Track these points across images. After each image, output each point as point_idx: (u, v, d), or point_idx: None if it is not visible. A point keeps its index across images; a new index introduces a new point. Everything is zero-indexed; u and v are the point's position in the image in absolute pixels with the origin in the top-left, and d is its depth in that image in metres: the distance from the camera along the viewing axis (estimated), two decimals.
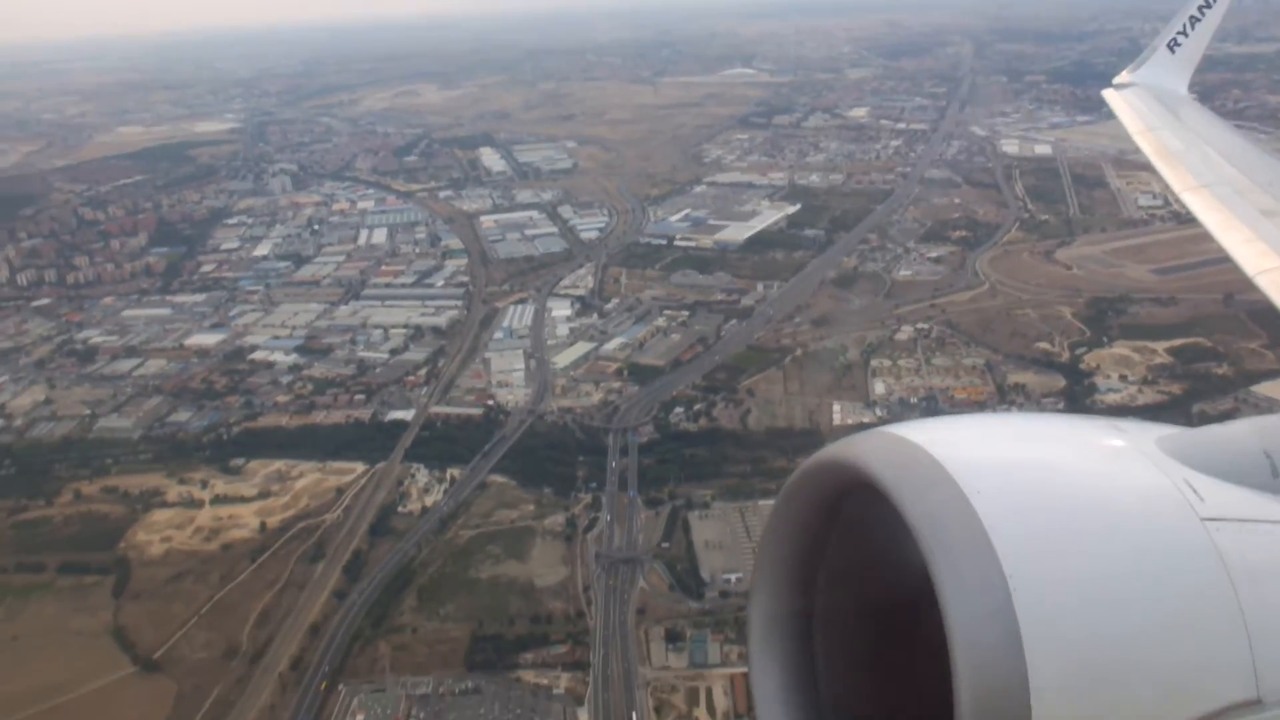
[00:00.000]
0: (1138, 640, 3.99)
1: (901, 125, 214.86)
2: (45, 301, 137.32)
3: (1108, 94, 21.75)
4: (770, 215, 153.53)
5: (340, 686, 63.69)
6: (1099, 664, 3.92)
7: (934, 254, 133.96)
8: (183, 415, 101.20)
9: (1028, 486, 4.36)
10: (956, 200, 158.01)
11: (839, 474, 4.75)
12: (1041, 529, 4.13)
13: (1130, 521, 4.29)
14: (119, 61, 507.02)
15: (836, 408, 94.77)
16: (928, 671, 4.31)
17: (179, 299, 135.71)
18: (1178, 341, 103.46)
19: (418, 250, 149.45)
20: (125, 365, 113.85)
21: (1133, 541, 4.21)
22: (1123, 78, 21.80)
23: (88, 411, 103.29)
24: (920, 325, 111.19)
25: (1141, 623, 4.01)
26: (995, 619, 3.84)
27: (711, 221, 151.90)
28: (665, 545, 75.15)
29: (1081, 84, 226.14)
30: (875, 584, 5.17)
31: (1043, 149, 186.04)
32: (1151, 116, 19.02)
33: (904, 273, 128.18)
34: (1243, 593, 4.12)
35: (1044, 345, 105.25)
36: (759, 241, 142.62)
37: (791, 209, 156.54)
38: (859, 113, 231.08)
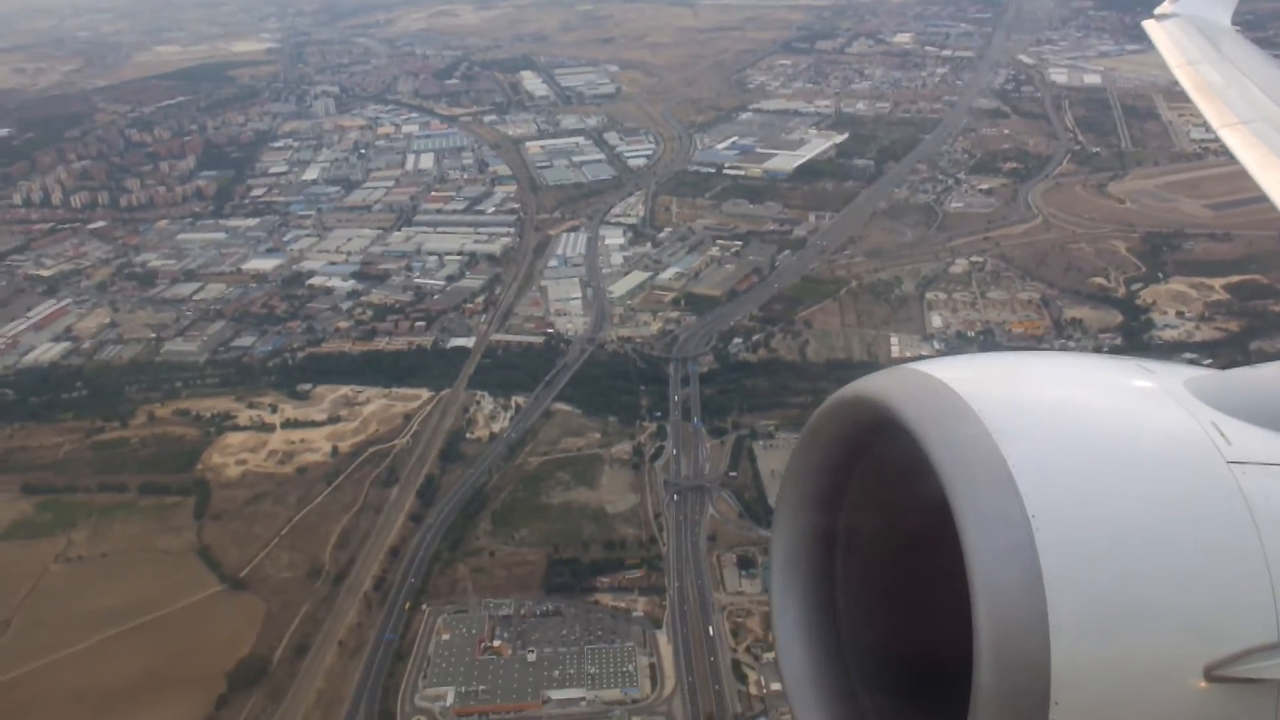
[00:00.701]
0: (1159, 581, 4.01)
1: (947, 52, 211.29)
2: (100, 224, 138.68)
3: (1148, 25, 20.83)
4: (818, 144, 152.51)
5: (424, 606, 65.98)
6: (1120, 604, 3.96)
7: (985, 186, 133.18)
8: (246, 340, 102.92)
9: (1053, 426, 4.39)
10: (1006, 131, 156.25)
11: (864, 410, 4.77)
12: (1066, 469, 4.16)
13: (1155, 463, 4.31)
14: None
15: (894, 340, 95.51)
16: (948, 609, 4.34)
17: (232, 223, 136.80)
18: (1234, 278, 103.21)
19: (466, 176, 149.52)
20: (185, 289, 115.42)
21: (1157, 483, 4.22)
22: (1165, 8, 20.86)
23: (153, 335, 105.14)
24: (974, 258, 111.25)
25: (1164, 564, 4.04)
26: (1016, 557, 3.88)
27: (759, 150, 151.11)
28: (733, 474, 76.69)
29: (1130, 10, 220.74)
30: (897, 521, 5.23)
31: (1092, 79, 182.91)
32: (1192, 49, 18.22)
33: (956, 205, 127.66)
34: (1266, 536, 4.13)
35: (1099, 280, 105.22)
36: (808, 170, 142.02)
37: (839, 138, 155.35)
38: (903, 39, 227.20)
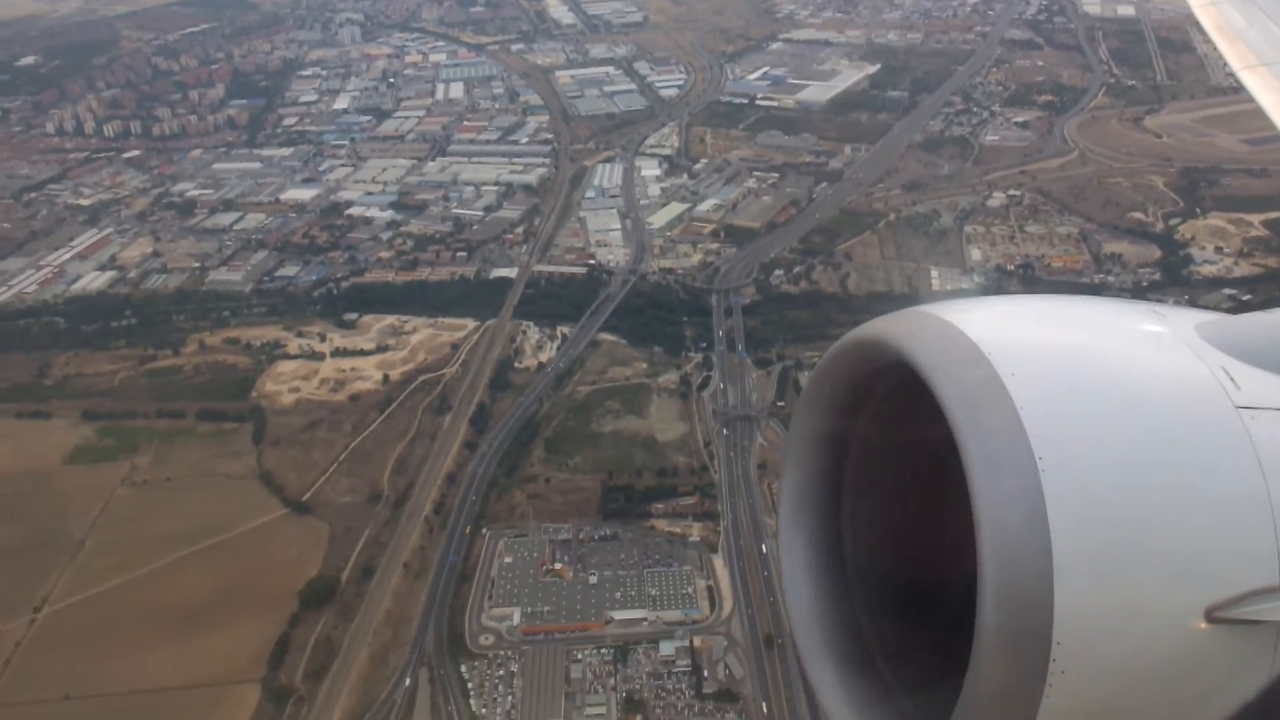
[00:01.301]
0: (1164, 523, 4.06)
1: None
2: (135, 153, 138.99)
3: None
4: (851, 75, 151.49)
5: (484, 531, 67.89)
6: (1124, 545, 4.01)
7: (1020, 119, 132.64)
8: (290, 270, 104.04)
9: (1062, 369, 4.42)
10: (1039, 63, 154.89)
11: (874, 352, 4.81)
12: (1073, 412, 4.20)
13: (1163, 407, 4.34)
14: None
15: (934, 273, 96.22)
16: (954, 549, 4.44)
17: (266, 153, 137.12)
18: (1273, 214, 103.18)
19: (497, 106, 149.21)
20: (225, 219, 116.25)
21: (1165, 427, 4.26)
22: None
23: (196, 265, 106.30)
24: (1011, 192, 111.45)
25: (1169, 506, 4.09)
26: (1022, 498, 3.93)
27: (791, 80, 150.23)
28: (780, 404, 78.02)
29: None
30: (905, 463, 5.31)
31: (1125, 10, 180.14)
32: None
33: (991, 138, 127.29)
34: (1273, 481, 4.16)
35: (1137, 215, 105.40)
36: (842, 102, 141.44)
37: (871, 69, 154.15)
38: None
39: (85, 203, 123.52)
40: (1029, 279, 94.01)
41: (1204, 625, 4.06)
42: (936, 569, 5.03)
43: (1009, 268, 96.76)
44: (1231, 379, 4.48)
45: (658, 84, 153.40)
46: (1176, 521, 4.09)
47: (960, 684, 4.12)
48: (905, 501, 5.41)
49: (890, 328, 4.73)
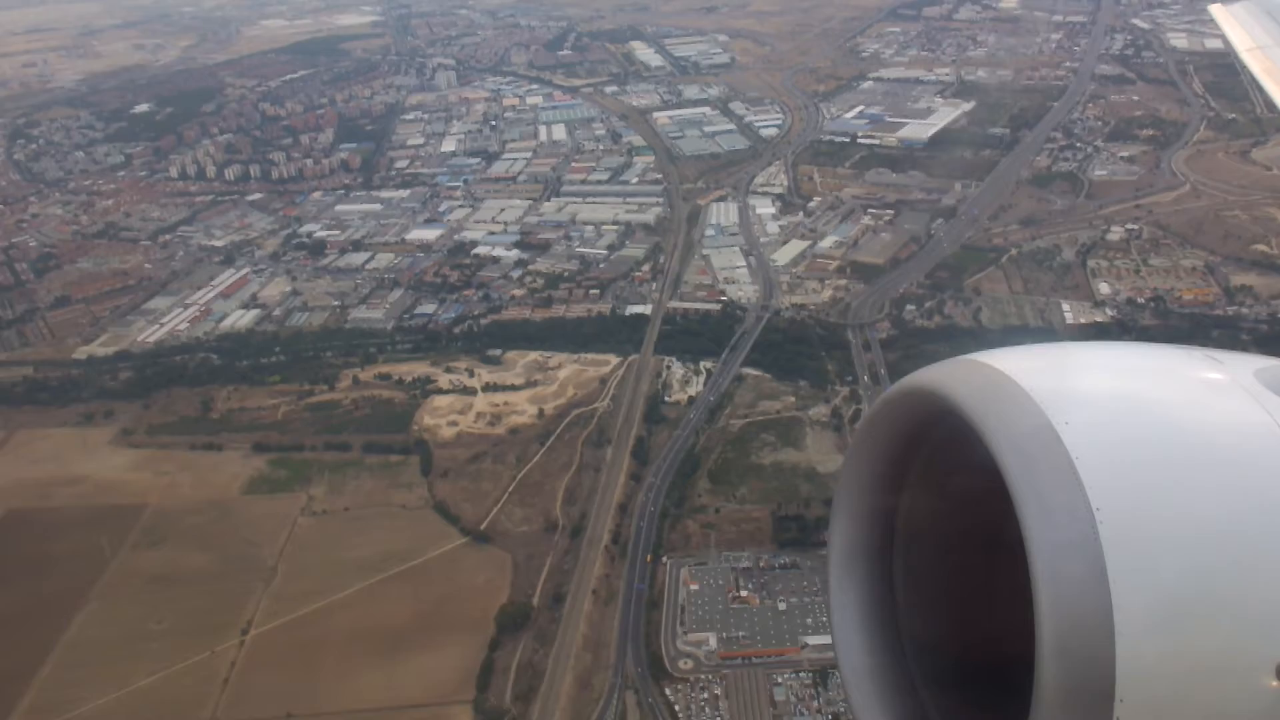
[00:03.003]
0: (1228, 577, 3.90)
1: (1057, 17, 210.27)
2: (257, 196, 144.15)
3: (1215, 9, 20.25)
4: (947, 113, 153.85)
5: (664, 559, 70.05)
6: (1187, 600, 3.85)
7: (1125, 153, 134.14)
8: (428, 307, 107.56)
9: (1118, 418, 4.30)
10: (1134, 97, 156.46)
11: (923, 401, 4.75)
12: (1131, 461, 4.08)
13: (1223, 455, 4.19)
14: None
15: (1066, 307, 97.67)
16: (1009, 603, 4.26)
17: (384, 194, 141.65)
18: None
19: (602, 147, 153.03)
20: (357, 259, 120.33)
21: (1225, 477, 4.11)
22: None
23: (336, 303, 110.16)
24: (1129, 226, 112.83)
25: (1232, 559, 3.93)
26: (1080, 551, 3.81)
27: (889, 119, 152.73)
28: None
29: None
30: (957, 514, 5.19)
31: (1214, 43, 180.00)
32: (1261, 33, 17.63)
33: (1099, 172, 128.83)
34: None
35: (1261, 247, 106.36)
36: (943, 139, 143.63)
37: (967, 106, 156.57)
38: (1009, 4, 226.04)
39: (218, 244, 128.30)
40: (1161, 312, 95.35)
41: (1275, 683, 3.90)
42: (992, 623, 4.92)
43: (1139, 301, 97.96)
44: None
45: (756, 124, 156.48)
46: (1241, 574, 3.97)
47: None
48: (959, 553, 5.36)
49: (940, 376, 4.72)
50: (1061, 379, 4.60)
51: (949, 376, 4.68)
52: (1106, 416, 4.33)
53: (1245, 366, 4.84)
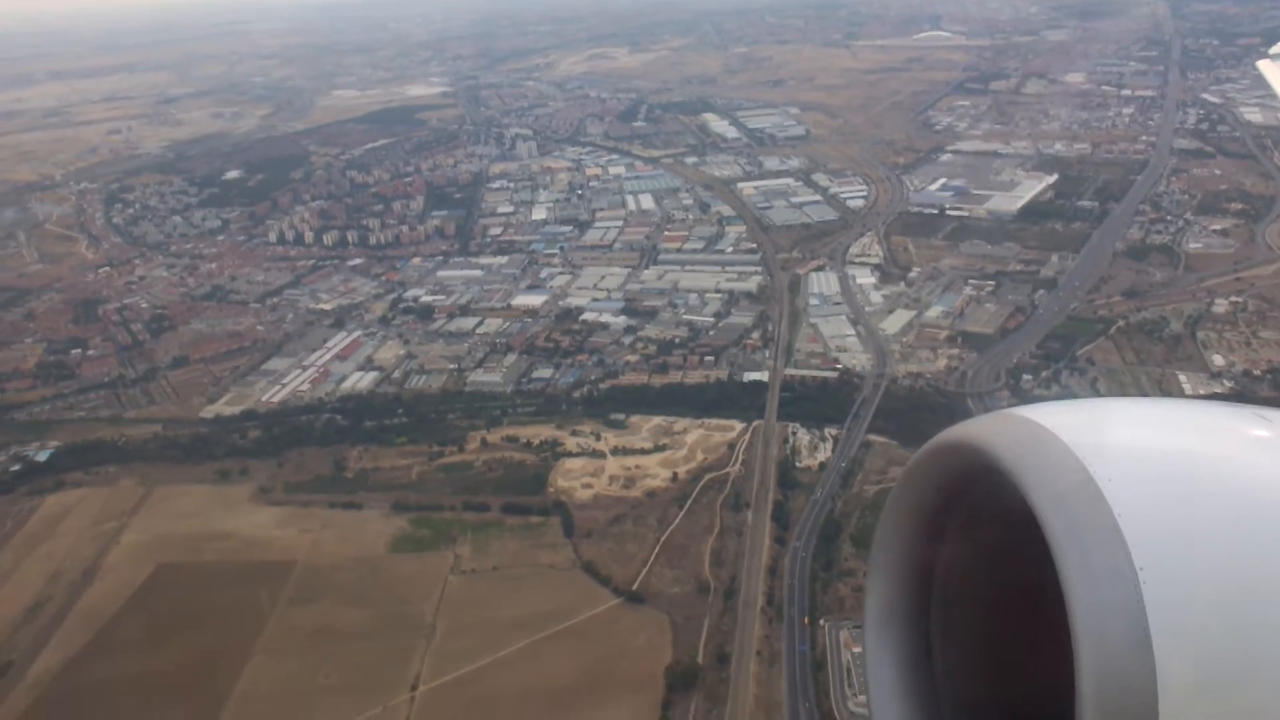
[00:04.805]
0: (1273, 640, 3.84)
1: (1126, 92, 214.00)
2: (358, 261, 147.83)
3: (1263, 65, 20.18)
4: (1031, 185, 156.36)
5: (821, 622, 70.90)
6: (1233, 663, 3.80)
7: (1217, 226, 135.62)
8: (544, 371, 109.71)
9: (1162, 475, 4.25)
10: (1217, 171, 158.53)
11: (962, 457, 4.73)
12: (1175, 520, 4.02)
13: (1270, 515, 4.11)
14: (289, 23, 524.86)
15: (1183, 378, 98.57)
16: (1050, 664, 4.24)
17: (483, 260, 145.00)
18: None
19: (691, 217, 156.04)
20: (466, 323, 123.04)
21: (1273, 537, 4.03)
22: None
23: (452, 366, 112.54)
24: (1234, 298, 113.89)
25: (1278, 622, 3.86)
26: (1123, 611, 3.76)
27: (974, 191, 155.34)
28: None
29: None
30: (996, 571, 5.12)
31: None
32: None
33: (1193, 245, 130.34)
34: None
35: None
36: (1031, 211, 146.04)
37: (1050, 179, 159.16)
38: (1076, 78, 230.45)
39: (326, 307, 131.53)
40: (1278, 383, 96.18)
41: None
42: (1033, 685, 4.87)
43: (1255, 372, 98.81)
44: None
45: (841, 195, 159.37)
46: None
47: None
48: (998, 612, 5.28)
49: (980, 431, 4.72)
50: (1105, 434, 4.54)
51: (990, 431, 4.67)
52: (1151, 473, 4.29)
53: None
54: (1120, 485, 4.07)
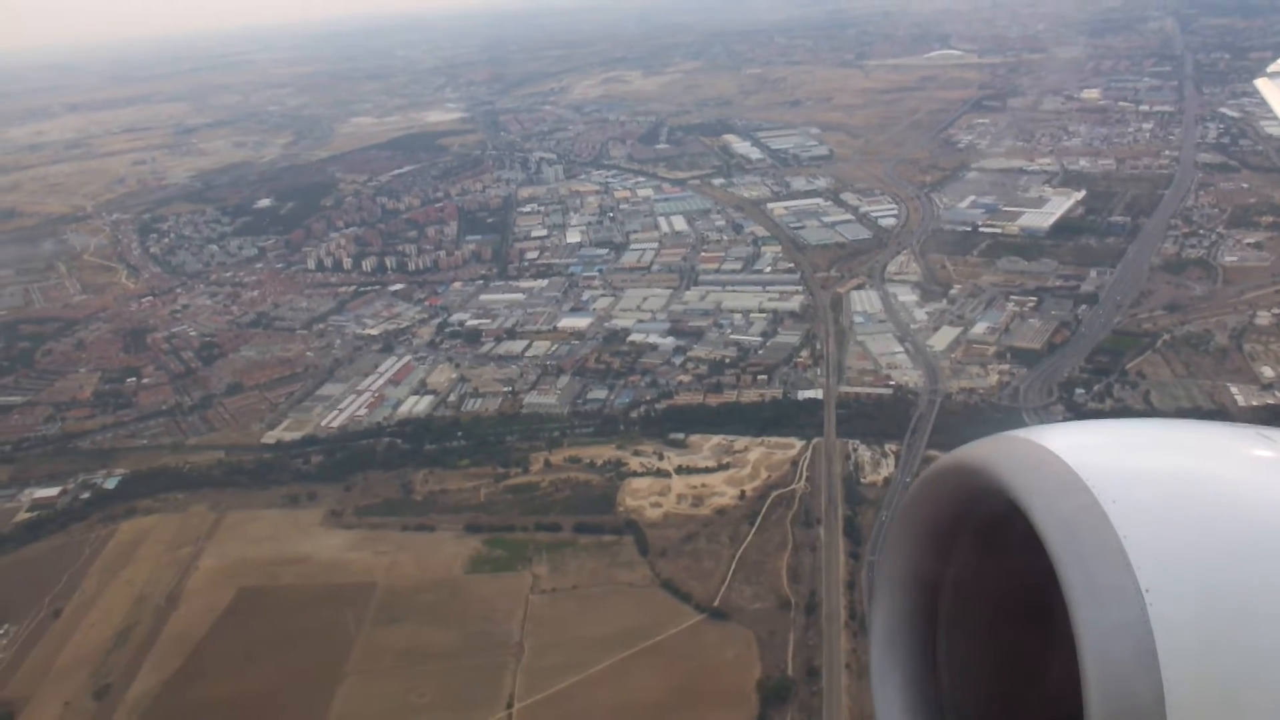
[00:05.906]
0: None
1: (1144, 108, 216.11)
2: (399, 287, 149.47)
3: (1261, 83, 19.83)
4: (1060, 201, 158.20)
5: None
6: (1240, 684, 3.82)
7: (1251, 239, 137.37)
8: (599, 393, 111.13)
9: (1166, 496, 4.24)
10: (1243, 185, 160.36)
11: (968, 479, 4.74)
12: (1181, 541, 4.02)
13: (1275, 535, 4.12)
14: (295, 52, 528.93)
15: (1234, 389, 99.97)
16: (1056, 685, 4.29)
17: (524, 284, 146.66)
18: None
19: (725, 238, 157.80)
20: (515, 346, 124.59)
21: (1278, 557, 4.05)
22: (1277, 66, 19.25)
23: (506, 389, 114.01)
24: (1276, 310, 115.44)
25: None
26: (1129, 632, 3.78)
27: (1005, 208, 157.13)
28: None
29: None
30: (1002, 594, 5.15)
31: None
32: None
33: (1229, 258, 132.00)
34: None
35: None
36: (1063, 227, 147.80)
37: (1078, 195, 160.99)
38: (1092, 94, 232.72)
39: (373, 332, 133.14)
40: None
41: None
42: (1038, 705, 4.94)
43: None
44: None
45: (872, 214, 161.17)
46: None
47: None
48: (1004, 632, 5.31)
49: (984, 453, 4.76)
50: (1109, 457, 4.56)
51: (995, 453, 4.72)
52: (1155, 494, 4.31)
53: None
54: (1124, 507, 4.13)
